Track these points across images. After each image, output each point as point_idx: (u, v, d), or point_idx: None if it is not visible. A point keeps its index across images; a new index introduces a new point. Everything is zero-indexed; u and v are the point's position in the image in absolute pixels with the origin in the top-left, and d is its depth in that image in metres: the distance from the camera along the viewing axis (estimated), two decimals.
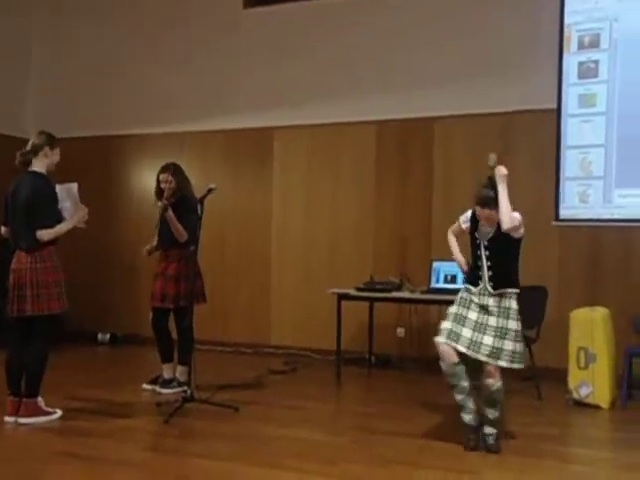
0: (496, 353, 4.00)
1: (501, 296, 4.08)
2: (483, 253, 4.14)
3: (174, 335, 5.49)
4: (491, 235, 4.12)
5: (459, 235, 4.40)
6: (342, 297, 6.16)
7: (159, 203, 5.33)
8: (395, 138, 6.85)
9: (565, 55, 6.13)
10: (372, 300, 6.37)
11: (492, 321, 4.06)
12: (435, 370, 5.78)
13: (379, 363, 6.61)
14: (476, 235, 4.19)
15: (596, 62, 6.04)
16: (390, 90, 6.78)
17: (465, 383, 4.11)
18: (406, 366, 6.56)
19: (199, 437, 4.40)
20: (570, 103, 6.12)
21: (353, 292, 6.18)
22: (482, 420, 4.15)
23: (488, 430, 4.12)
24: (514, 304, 4.10)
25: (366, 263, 6.80)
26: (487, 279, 4.11)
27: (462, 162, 6.52)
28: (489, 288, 4.10)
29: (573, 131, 6.12)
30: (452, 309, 4.19)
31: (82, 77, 8.16)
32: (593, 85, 6.05)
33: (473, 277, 4.19)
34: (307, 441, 4.28)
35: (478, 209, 4.12)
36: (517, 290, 4.13)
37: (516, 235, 4.07)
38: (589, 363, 5.17)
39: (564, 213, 6.16)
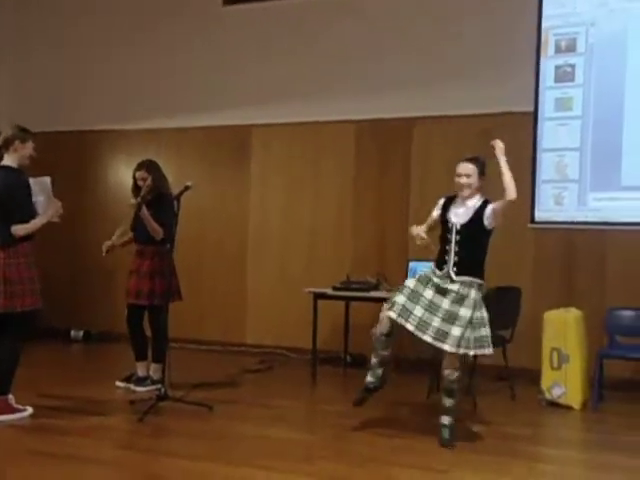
0: (441, 336, 4.01)
1: (462, 284, 4.09)
2: (453, 237, 4.14)
3: (148, 333, 5.45)
4: (466, 221, 4.13)
5: (433, 227, 4.35)
6: (318, 296, 6.16)
7: (133, 201, 5.29)
8: (374, 139, 6.84)
9: (542, 59, 6.18)
10: (348, 300, 6.38)
11: (445, 304, 4.07)
12: (411, 369, 5.85)
13: (355, 362, 6.60)
14: (448, 218, 4.19)
15: (572, 66, 6.10)
16: (370, 90, 6.77)
17: (385, 352, 4.26)
18: None
19: (173, 435, 4.38)
20: (547, 106, 6.17)
21: (330, 291, 6.18)
22: (439, 409, 4.18)
23: (444, 420, 4.13)
24: (473, 293, 4.09)
25: (343, 262, 6.79)
26: (452, 264, 4.12)
27: (440, 164, 6.53)
28: (452, 274, 4.11)
29: (549, 134, 6.17)
30: (409, 283, 4.18)
31: (57, 72, 8.04)
32: (569, 89, 6.11)
33: (439, 261, 4.20)
34: (282, 440, 4.27)
35: (461, 166, 4.18)
36: (480, 281, 4.13)
37: (492, 224, 4.10)
38: (562, 364, 5.22)
39: (539, 215, 6.21)
